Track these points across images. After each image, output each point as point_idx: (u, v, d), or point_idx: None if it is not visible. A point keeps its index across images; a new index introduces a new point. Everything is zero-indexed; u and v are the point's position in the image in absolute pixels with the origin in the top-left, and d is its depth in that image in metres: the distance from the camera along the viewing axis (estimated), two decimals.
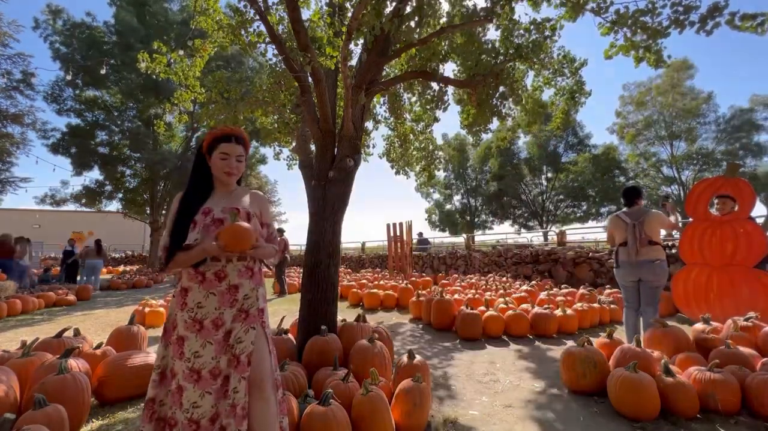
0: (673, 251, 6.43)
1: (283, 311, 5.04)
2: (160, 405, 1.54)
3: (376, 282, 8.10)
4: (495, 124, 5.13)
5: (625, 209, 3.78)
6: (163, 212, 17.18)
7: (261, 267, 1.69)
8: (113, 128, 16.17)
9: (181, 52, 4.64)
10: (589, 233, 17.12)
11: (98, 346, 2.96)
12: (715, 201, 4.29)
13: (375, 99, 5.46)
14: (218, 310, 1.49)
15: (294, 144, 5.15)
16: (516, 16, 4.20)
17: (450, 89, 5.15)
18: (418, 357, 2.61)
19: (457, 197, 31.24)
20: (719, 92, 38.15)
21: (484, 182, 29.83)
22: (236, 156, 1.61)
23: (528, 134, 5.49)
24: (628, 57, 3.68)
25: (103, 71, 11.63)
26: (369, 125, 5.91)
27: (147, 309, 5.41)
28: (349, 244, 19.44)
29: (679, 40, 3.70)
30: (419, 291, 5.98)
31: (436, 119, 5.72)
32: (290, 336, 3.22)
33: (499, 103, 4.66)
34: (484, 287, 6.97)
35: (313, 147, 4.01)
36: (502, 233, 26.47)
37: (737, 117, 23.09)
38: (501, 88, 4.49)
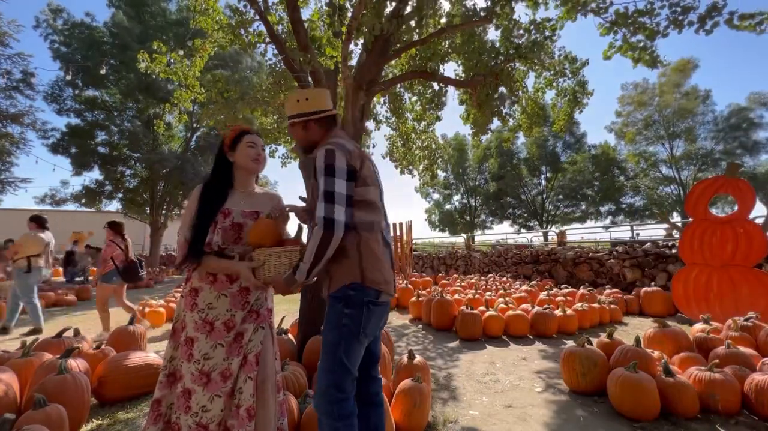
0: (673, 251, 6.43)
1: (283, 311, 5.03)
2: (168, 408, 1.51)
3: None
4: (496, 123, 5.14)
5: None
6: (163, 212, 17.16)
7: None
8: (113, 128, 16.15)
9: (181, 52, 4.64)
10: (589, 233, 17.12)
11: (98, 346, 2.96)
12: None
13: (375, 99, 5.47)
14: (230, 312, 1.48)
15: (293, 144, 5.15)
16: (516, 17, 4.20)
17: (453, 90, 5.15)
18: (418, 357, 2.60)
19: (456, 197, 31.28)
20: (716, 90, 38.22)
21: (484, 182, 29.85)
22: (262, 147, 1.66)
23: (529, 135, 5.49)
24: (626, 57, 3.69)
25: (102, 71, 11.64)
26: (370, 124, 5.91)
27: (147, 309, 5.41)
28: None
29: (675, 37, 3.71)
30: (419, 291, 5.97)
31: (438, 118, 5.72)
32: (290, 336, 3.22)
33: (499, 103, 4.66)
34: (484, 287, 6.97)
35: None
36: (502, 233, 26.48)
37: (735, 116, 23.09)
38: (501, 89, 4.49)
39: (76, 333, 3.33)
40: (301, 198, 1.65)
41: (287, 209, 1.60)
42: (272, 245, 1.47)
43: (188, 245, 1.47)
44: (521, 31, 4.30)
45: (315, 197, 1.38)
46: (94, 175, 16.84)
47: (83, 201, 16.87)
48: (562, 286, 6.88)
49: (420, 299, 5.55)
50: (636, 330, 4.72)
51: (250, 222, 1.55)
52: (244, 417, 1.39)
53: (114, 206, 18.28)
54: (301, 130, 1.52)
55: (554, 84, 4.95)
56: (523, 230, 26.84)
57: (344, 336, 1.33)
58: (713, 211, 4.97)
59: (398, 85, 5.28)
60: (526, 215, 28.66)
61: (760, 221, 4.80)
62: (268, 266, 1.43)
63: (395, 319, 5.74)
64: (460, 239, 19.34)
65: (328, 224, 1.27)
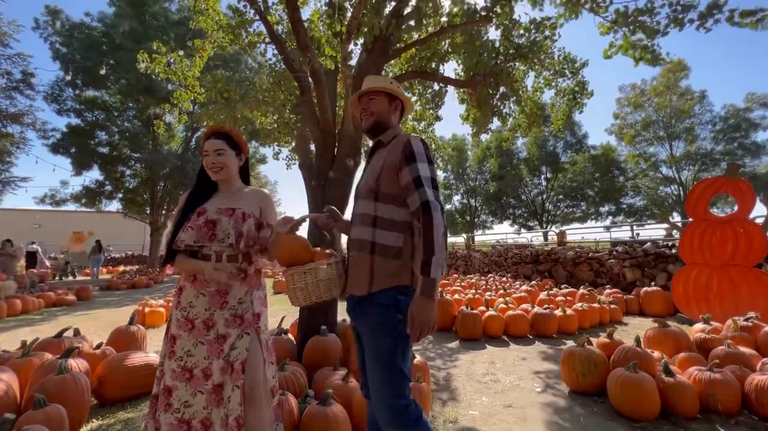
0: (673, 251, 6.43)
1: (283, 312, 5.03)
2: None
3: None
4: (496, 123, 5.14)
5: None
6: (163, 212, 17.17)
7: (257, 269, 1.63)
8: (113, 128, 16.15)
9: (181, 53, 4.64)
10: (589, 233, 17.11)
11: (98, 346, 2.96)
12: None
13: None
14: (208, 311, 1.48)
15: (294, 144, 5.15)
16: (516, 16, 4.20)
17: (453, 90, 5.14)
18: (418, 357, 2.60)
19: (456, 197, 31.29)
20: (712, 90, 38.15)
21: (484, 182, 29.86)
22: (214, 150, 1.57)
23: (527, 134, 5.49)
24: (627, 56, 3.69)
25: (102, 71, 11.64)
26: None
27: (147, 309, 5.41)
28: None
29: (668, 38, 3.73)
30: None
31: (438, 118, 5.72)
32: (290, 336, 3.22)
33: (499, 103, 4.66)
34: (484, 287, 6.97)
35: (313, 147, 4.01)
36: (502, 233, 26.49)
37: (733, 116, 23.09)
38: (501, 89, 4.49)
39: (76, 333, 3.33)
40: (327, 209, 1.57)
41: (310, 218, 1.54)
42: (306, 261, 1.37)
43: (166, 247, 1.55)
44: (521, 31, 4.30)
45: (376, 179, 1.34)
46: (94, 175, 16.86)
47: (83, 201, 16.86)
48: (562, 286, 6.88)
49: None
50: (636, 330, 4.72)
51: (224, 219, 1.53)
52: (233, 426, 1.35)
53: (114, 206, 18.30)
54: (388, 104, 1.50)
55: (553, 84, 4.96)
56: (523, 230, 26.84)
57: (400, 342, 1.26)
58: (713, 211, 4.97)
59: None
60: (526, 215, 28.67)
61: (760, 221, 4.80)
62: (306, 284, 1.33)
63: None
64: (460, 239, 19.33)
65: (437, 208, 1.22)
